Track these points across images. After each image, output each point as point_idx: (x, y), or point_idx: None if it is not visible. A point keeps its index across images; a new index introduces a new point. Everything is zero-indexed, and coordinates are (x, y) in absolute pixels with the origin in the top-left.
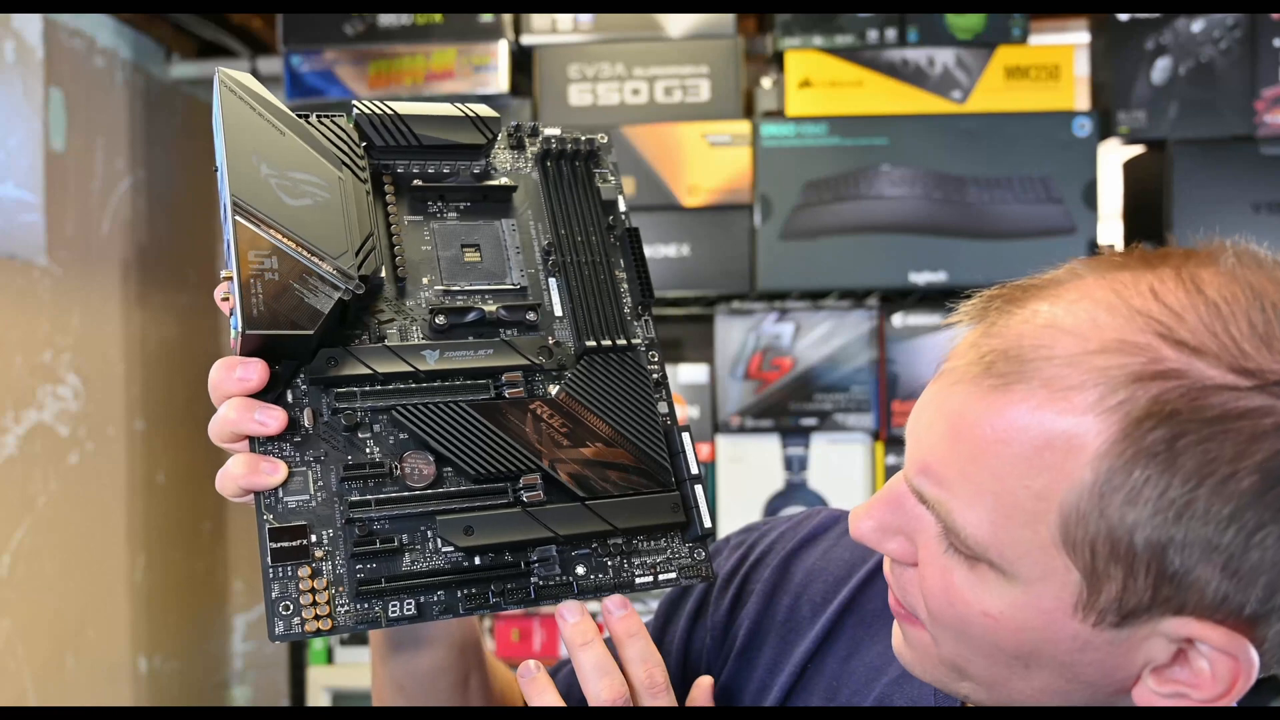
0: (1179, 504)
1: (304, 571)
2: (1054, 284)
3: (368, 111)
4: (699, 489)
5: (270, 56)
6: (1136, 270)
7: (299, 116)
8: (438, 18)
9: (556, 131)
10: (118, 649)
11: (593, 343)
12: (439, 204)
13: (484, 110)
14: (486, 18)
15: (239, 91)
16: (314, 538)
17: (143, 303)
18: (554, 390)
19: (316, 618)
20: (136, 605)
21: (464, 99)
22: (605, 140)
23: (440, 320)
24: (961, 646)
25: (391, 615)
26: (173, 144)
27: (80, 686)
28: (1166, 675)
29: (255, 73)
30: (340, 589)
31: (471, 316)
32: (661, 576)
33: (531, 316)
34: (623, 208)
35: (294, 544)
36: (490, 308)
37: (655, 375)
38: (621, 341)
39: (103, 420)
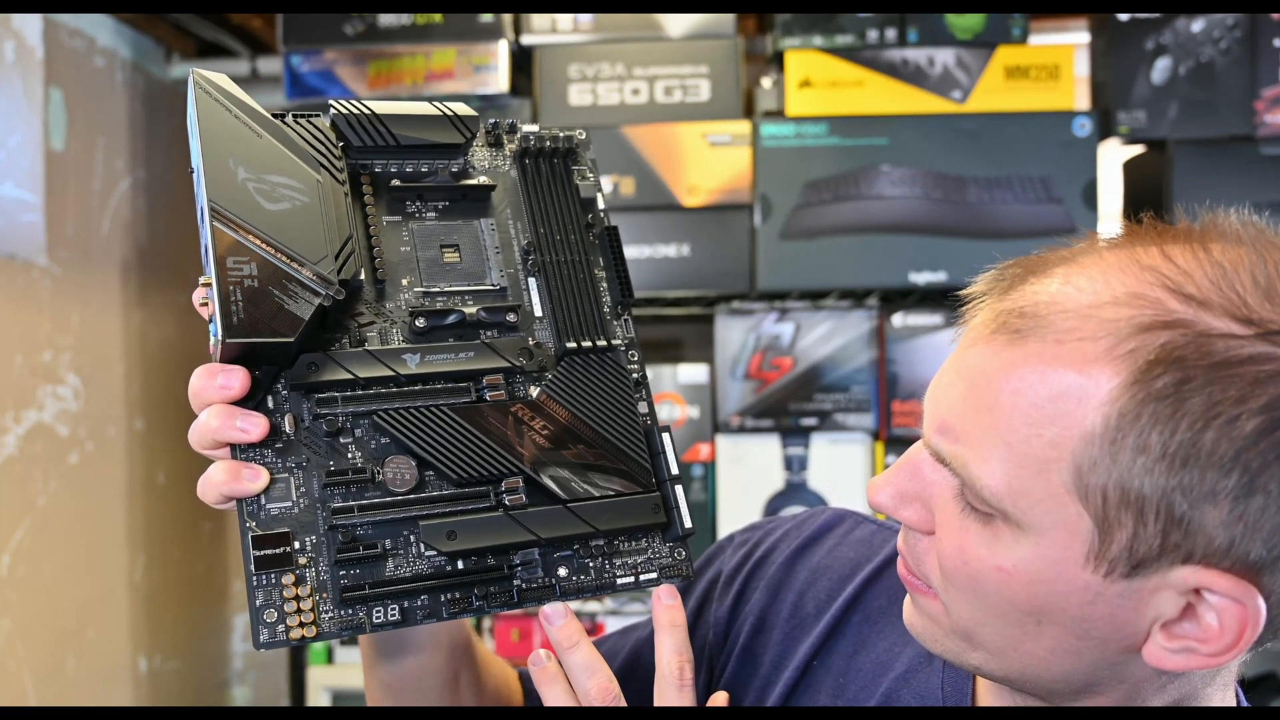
0: (1186, 447)
1: (288, 579)
2: (1070, 252)
3: (345, 111)
4: (679, 489)
5: (270, 56)
6: (1148, 238)
7: (275, 118)
8: (438, 18)
9: (534, 129)
10: (118, 649)
11: (573, 344)
12: (417, 204)
13: (462, 109)
14: (486, 18)
15: (214, 93)
16: (297, 544)
17: (143, 303)
18: (534, 392)
19: (301, 625)
20: (136, 605)
21: (464, 99)
22: (584, 137)
23: (420, 323)
24: (974, 609)
25: (376, 621)
26: (173, 144)
27: (80, 686)
28: (1175, 631)
29: (255, 73)
30: (324, 595)
31: (452, 319)
32: (643, 577)
33: (511, 318)
34: (601, 205)
35: (277, 551)
36: (470, 309)
37: (635, 375)
38: (602, 342)
39: (103, 420)
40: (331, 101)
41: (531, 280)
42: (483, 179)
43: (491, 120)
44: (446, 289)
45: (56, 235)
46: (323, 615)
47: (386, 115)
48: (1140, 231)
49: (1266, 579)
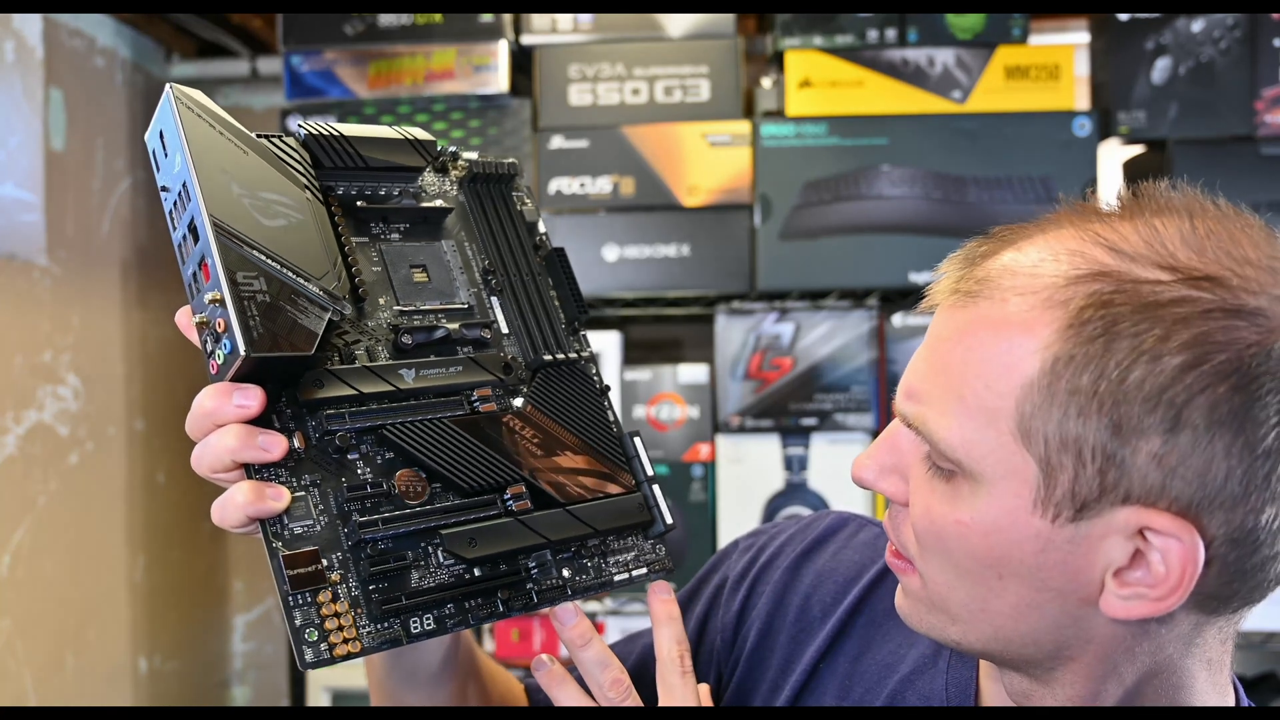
0: (1114, 386)
1: (324, 596)
2: (1029, 227)
3: (316, 133)
4: (656, 488)
5: (270, 56)
6: (1097, 211)
7: (252, 135)
8: (438, 18)
9: (474, 156)
10: (118, 649)
11: (549, 357)
12: (381, 225)
13: (421, 133)
14: (486, 18)
15: (197, 109)
16: (325, 562)
17: (143, 303)
18: (518, 403)
19: (345, 641)
20: (136, 605)
21: (464, 99)
22: (518, 164)
23: (406, 339)
24: (944, 572)
25: (414, 631)
26: None
27: (80, 686)
28: (1125, 578)
29: (255, 73)
30: (359, 611)
31: (438, 334)
32: (634, 572)
33: (485, 334)
34: (542, 229)
35: (309, 569)
36: (452, 326)
37: (599, 385)
38: (572, 355)
39: (103, 420)
40: (301, 122)
41: (494, 299)
42: (440, 202)
43: (436, 147)
44: (422, 307)
45: (56, 235)
46: (362, 630)
47: (355, 138)
48: (1090, 207)
49: (1205, 520)
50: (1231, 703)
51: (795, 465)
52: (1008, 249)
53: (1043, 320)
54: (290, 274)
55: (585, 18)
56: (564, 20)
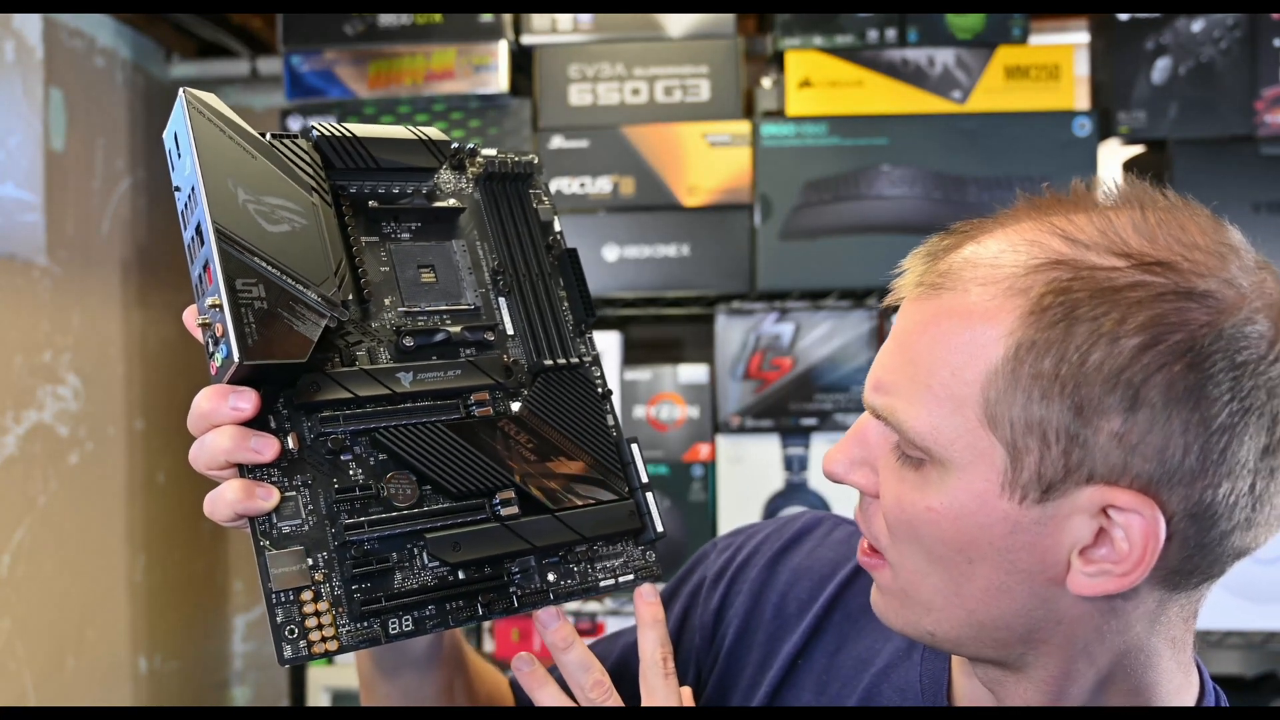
0: (1075, 369)
1: (306, 595)
2: (991, 220)
3: (328, 134)
4: (650, 496)
5: (270, 56)
6: (1054, 204)
7: (263, 139)
8: (438, 18)
9: (493, 153)
10: (118, 649)
11: (550, 361)
12: (392, 225)
13: (435, 133)
14: (486, 18)
15: (207, 113)
16: (310, 561)
17: (143, 303)
18: (516, 407)
19: (323, 639)
20: (136, 605)
21: (464, 99)
22: (537, 161)
23: (408, 342)
24: (915, 559)
25: (392, 631)
26: None
27: (80, 686)
28: (1090, 556)
29: (255, 73)
30: (341, 610)
31: (439, 337)
32: (621, 579)
33: (489, 336)
34: (558, 228)
35: (293, 568)
36: (455, 328)
37: (601, 390)
38: (574, 359)
39: (103, 420)
40: (314, 124)
41: (502, 300)
42: (452, 201)
43: (454, 144)
44: (427, 308)
45: (56, 235)
46: (341, 629)
47: (367, 138)
48: (1046, 201)
49: (1166, 496)
50: (1195, 681)
51: (795, 465)
52: (969, 242)
53: (1005, 308)
54: (289, 280)
55: (585, 18)
56: (564, 20)
